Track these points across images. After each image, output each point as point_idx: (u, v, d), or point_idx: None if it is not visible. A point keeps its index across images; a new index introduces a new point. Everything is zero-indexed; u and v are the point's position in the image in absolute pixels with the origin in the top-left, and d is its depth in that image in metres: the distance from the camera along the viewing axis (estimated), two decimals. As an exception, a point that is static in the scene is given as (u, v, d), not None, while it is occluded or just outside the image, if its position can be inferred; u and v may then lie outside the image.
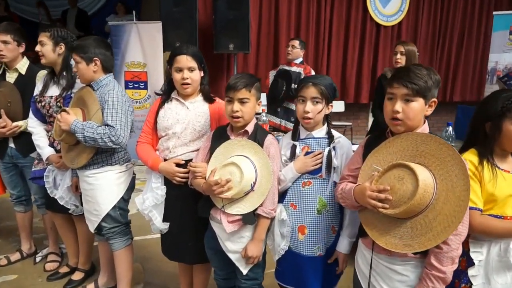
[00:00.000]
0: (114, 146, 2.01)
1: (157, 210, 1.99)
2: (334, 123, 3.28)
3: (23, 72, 2.61)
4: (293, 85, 3.87)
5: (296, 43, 4.01)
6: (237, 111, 1.72)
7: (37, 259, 2.90)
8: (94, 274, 2.71)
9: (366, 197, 1.40)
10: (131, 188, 2.27)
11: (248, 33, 5.34)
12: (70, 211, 2.43)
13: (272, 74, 4.26)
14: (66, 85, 2.35)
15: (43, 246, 3.10)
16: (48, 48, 2.29)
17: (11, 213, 3.39)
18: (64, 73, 2.36)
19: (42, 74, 2.61)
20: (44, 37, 2.28)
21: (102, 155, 2.12)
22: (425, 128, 1.46)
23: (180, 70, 1.93)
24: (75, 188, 2.34)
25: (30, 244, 2.97)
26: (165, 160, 1.98)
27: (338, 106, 6.88)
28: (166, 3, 5.13)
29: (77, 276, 2.61)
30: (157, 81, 5.07)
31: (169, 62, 1.98)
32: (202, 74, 1.99)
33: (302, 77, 3.94)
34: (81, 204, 2.41)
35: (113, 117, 2.01)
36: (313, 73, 3.98)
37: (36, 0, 6.63)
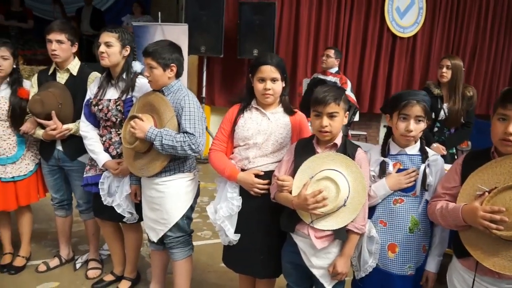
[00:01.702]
0: (193, 154, 1.95)
1: (230, 221, 1.94)
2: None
3: (75, 73, 2.52)
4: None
5: (331, 52, 3.99)
6: (326, 126, 1.68)
7: (77, 266, 2.79)
8: (139, 283, 2.63)
9: (478, 217, 1.37)
10: (197, 195, 2.21)
11: (273, 39, 5.32)
12: (124, 219, 2.34)
13: (305, 82, 4.23)
14: (125, 88, 2.27)
15: (79, 251, 3.00)
16: (115, 49, 2.21)
17: (38, 216, 3.31)
18: (123, 76, 2.28)
19: (94, 76, 2.53)
20: (112, 38, 2.19)
21: (175, 162, 2.06)
22: None
23: (263, 80, 1.88)
24: (134, 196, 2.26)
25: (69, 249, 2.87)
26: (242, 170, 1.93)
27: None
28: (192, 5, 5.07)
29: (124, 285, 2.52)
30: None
31: (252, 71, 1.92)
32: (284, 85, 1.94)
33: (338, 86, 3.92)
34: (137, 212, 2.34)
35: (191, 124, 1.95)
36: (349, 83, 3.96)
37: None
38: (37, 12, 6.99)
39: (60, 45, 2.39)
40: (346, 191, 1.65)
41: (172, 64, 2.03)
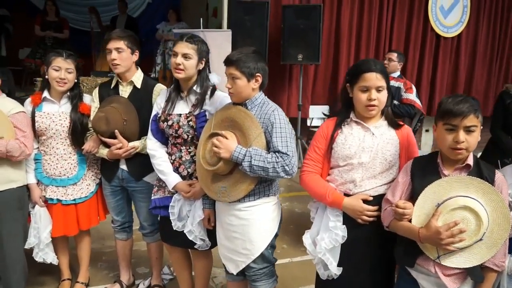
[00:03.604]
0: (286, 176, 1.71)
1: (332, 253, 1.69)
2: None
3: (139, 86, 2.33)
4: (394, 101, 3.56)
5: (394, 55, 3.72)
6: (462, 142, 1.42)
7: (139, 293, 2.61)
8: (209, 313, 2.42)
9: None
10: (281, 221, 1.97)
11: (319, 43, 5.08)
12: (195, 246, 2.13)
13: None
14: (197, 101, 2.06)
15: (137, 275, 2.81)
16: (192, 63, 2.00)
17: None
18: (195, 89, 2.08)
19: (159, 88, 2.34)
20: (191, 50, 1.99)
21: (261, 185, 1.83)
22: None
23: (366, 89, 1.64)
24: (207, 221, 2.05)
25: (129, 274, 2.69)
26: (345, 195, 1.68)
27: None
28: (236, 11, 4.88)
29: (194, 316, 2.31)
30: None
31: (352, 79, 1.69)
32: (387, 94, 1.69)
33: (402, 92, 3.65)
34: (209, 238, 2.12)
35: (283, 142, 1.72)
36: (414, 88, 3.68)
37: (87, 6, 6.45)
38: (72, 23, 6.96)
39: (119, 54, 2.21)
40: (486, 223, 1.38)
41: (257, 74, 1.81)
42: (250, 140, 1.76)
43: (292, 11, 5.06)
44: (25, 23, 7.24)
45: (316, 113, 6.01)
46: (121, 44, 2.23)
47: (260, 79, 1.82)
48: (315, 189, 1.73)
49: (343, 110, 1.77)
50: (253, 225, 1.84)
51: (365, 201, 1.65)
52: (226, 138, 1.75)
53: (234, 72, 1.78)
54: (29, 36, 6.87)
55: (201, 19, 5.01)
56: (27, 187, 2.34)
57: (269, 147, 1.77)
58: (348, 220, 1.68)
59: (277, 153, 1.71)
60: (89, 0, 7.49)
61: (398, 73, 3.79)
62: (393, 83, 3.73)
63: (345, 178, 1.69)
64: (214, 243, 2.13)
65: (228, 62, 1.80)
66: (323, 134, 1.77)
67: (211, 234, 2.11)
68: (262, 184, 1.83)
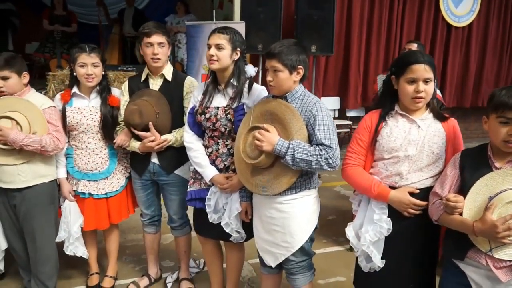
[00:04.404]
0: (329, 169, 1.70)
1: (376, 246, 1.69)
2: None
3: (169, 78, 2.31)
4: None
5: (414, 46, 3.67)
6: None
7: (168, 286, 2.61)
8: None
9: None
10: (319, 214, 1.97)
11: (333, 34, 5.04)
12: (231, 239, 2.12)
13: (380, 78, 3.92)
14: (235, 94, 2.05)
15: (164, 269, 2.82)
16: (226, 53, 1.98)
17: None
18: (232, 81, 2.06)
19: (190, 80, 2.33)
20: (223, 40, 1.97)
21: (302, 178, 1.82)
22: None
23: (413, 81, 1.62)
24: (245, 214, 2.05)
25: (157, 268, 2.69)
26: (390, 187, 1.67)
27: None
28: (249, 2, 4.82)
29: (226, 308, 2.32)
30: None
31: (397, 71, 1.67)
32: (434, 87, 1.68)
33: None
34: (244, 231, 2.12)
35: (326, 134, 1.71)
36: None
37: (95, -1, 6.37)
38: (79, 17, 6.88)
39: (162, 48, 2.20)
40: (542, 215, 1.38)
41: (299, 66, 1.79)
42: (292, 133, 1.74)
43: (305, 2, 5.00)
44: (31, 18, 7.18)
45: (328, 105, 5.98)
46: (163, 39, 2.19)
47: (301, 72, 1.80)
48: (360, 182, 1.72)
49: (387, 102, 1.75)
50: (294, 218, 1.83)
51: (411, 194, 1.64)
52: (268, 131, 1.74)
53: (276, 64, 1.76)
54: (35, 31, 6.81)
55: (214, 11, 4.96)
56: (57, 182, 2.34)
57: (310, 140, 1.75)
58: (392, 212, 1.68)
59: (320, 146, 1.70)
60: (96, -7, 7.40)
61: (418, 64, 3.74)
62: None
63: (390, 171, 1.68)
64: (248, 235, 2.13)
65: (270, 54, 1.78)
66: (366, 126, 1.76)
67: (246, 226, 2.10)
68: (303, 177, 1.82)
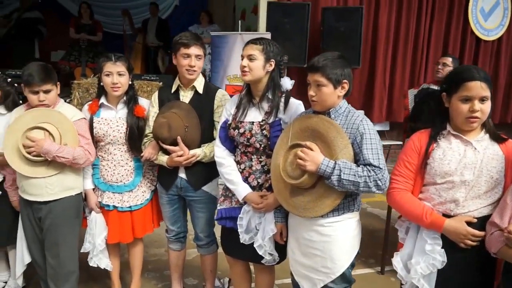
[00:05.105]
0: (377, 192, 1.58)
1: (427, 279, 1.55)
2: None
3: (201, 91, 2.23)
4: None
5: (449, 60, 3.54)
6: None
7: (192, 306, 2.50)
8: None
9: None
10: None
11: (360, 46, 4.93)
12: (262, 261, 2.01)
13: (411, 93, 3.79)
14: (271, 109, 1.95)
15: (186, 286, 2.71)
16: (258, 64, 1.89)
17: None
18: (267, 95, 1.96)
19: (221, 93, 2.25)
20: (255, 51, 1.88)
21: (346, 199, 1.70)
22: None
23: (467, 100, 1.50)
24: (279, 236, 1.93)
25: (181, 285, 2.58)
26: (444, 215, 1.54)
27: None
28: (275, 13, 4.76)
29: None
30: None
31: (450, 88, 1.55)
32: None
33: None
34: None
35: (374, 155, 1.59)
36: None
37: (119, 9, 6.43)
38: (103, 26, 6.97)
39: (199, 61, 2.15)
40: None
41: (344, 81, 1.69)
42: (336, 152, 1.63)
43: (332, 14, 4.93)
44: (57, 26, 7.29)
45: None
46: (201, 51, 2.15)
47: (346, 86, 1.70)
48: (410, 209, 1.59)
49: (437, 121, 1.62)
50: (336, 242, 1.71)
51: (468, 223, 1.50)
52: (311, 149, 1.63)
53: (320, 79, 1.66)
54: (61, 39, 6.90)
55: (240, 21, 4.91)
56: (82, 193, 2.28)
57: (356, 160, 1.64)
58: (445, 243, 1.54)
59: (368, 166, 1.58)
60: (122, 3, 7.50)
61: (453, 79, 3.60)
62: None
63: (444, 197, 1.55)
64: (281, 258, 2.01)
65: (313, 68, 1.68)
66: (415, 148, 1.63)
67: (278, 248, 1.99)
68: (347, 199, 1.70)
